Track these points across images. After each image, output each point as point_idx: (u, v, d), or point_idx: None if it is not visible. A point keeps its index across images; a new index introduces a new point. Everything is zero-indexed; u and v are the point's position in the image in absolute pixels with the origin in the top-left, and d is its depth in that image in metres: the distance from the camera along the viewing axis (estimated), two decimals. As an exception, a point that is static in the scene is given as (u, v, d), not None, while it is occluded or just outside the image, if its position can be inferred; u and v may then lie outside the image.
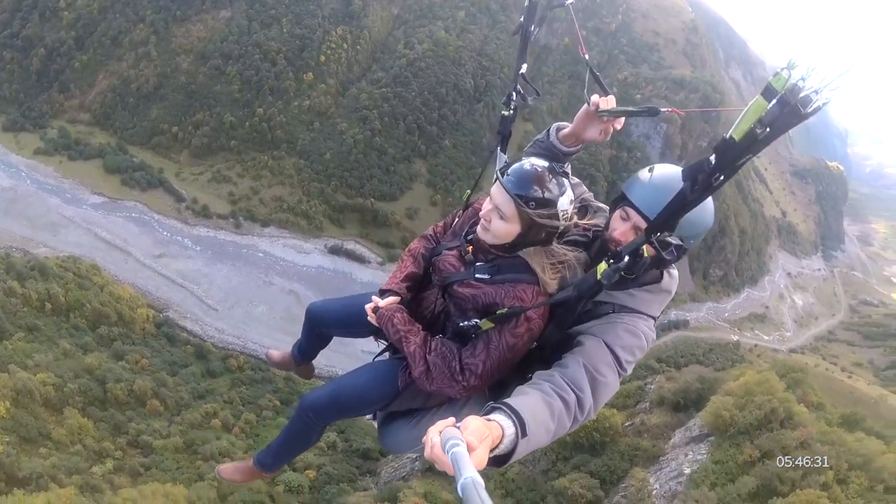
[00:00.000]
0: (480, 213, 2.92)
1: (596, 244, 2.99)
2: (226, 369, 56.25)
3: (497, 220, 2.79)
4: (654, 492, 29.01)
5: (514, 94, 3.42)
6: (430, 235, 3.58)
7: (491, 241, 2.90)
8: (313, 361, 4.60)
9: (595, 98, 2.86)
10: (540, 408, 2.27)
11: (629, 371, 2.78)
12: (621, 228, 2.78)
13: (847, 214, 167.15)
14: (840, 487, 25.33)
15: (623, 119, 2.90)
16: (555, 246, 2.89)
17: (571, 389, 2.46)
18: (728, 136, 1.87)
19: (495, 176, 2.81)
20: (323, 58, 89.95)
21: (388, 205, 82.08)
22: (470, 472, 1.44)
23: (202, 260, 70.17)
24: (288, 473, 37.25)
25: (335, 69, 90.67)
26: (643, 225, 2.67)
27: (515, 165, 2.78)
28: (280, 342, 61.67)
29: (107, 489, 31.24)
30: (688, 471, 28.81)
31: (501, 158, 3.49)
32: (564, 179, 2.78)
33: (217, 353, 57.72)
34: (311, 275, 73.29)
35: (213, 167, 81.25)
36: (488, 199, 2.84)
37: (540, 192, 2.67)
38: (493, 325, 2.85)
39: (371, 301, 3.33)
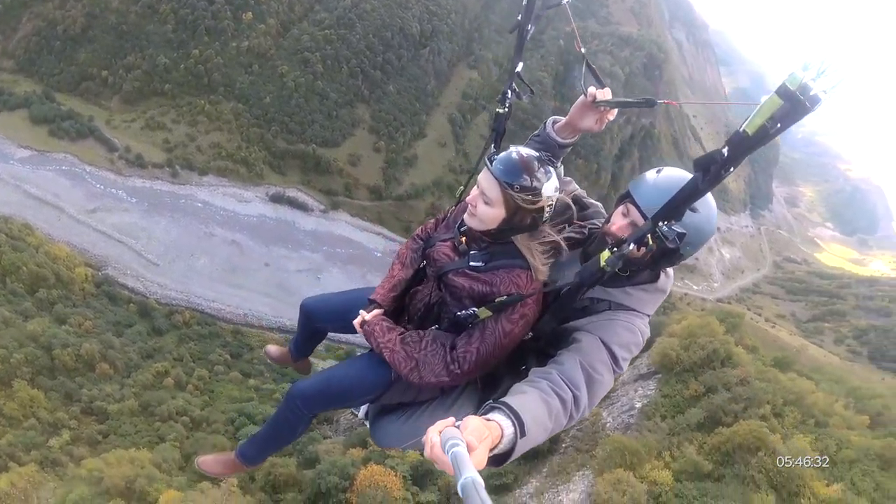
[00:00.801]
0: (467, 199, 2.99)
1: (593, 241, 3.03)
2: (172, 326, 55.55)
3: (482, 204, 2.86)
4: (607, 425, 30.67)
5: (509, 91, 3.45)
6: (419, 235, 3.62)
7: (477, 227, 2.97)
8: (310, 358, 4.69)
9: (592, 90, 2.94)
10: (538, 407, 2.28)
11: (625, 368, 2.83)
12: (620, 223, 2.83)
13: (777, 177, 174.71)
14: (776, 420, 28.40)
15: (616, 109, 3.02)
16: (543, 229, 2.96)
17: (569, 388, 2.47)
18: (742, 129, 1.95)
19: (484, 164, 2.88)
20: None
21: (331, 151, 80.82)
22: (470, 472, 1.43)
23: (139, 213, 67.57)
24: (248, 427, 37.43)
25: (276, 8, 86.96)
26: (641, 222, 2.72)
27: (504, 153, 2.85)
28: (223, 294, 62.68)
29: (68, 462, 30.93)
30: (639, 405, 30.72)
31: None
32: (550, 167, 2.85)
33: (161, 310, 56.71)
34: (252, 224, 72.12)
35: (146, 113, 77.56)
36: (475, 186, 2.93)
37: (525, 177, 2.75)
38: (490, 313, 2.89)
39: (365, 301, 3.49)
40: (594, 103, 2.95)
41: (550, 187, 2.81)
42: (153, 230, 66.65)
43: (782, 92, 1.81)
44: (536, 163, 2.80)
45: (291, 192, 77.36)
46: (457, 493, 1.82)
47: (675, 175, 2.76)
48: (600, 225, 3.05)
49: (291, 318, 51.83)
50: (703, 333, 33.54)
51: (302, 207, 76.97)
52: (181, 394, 44.18)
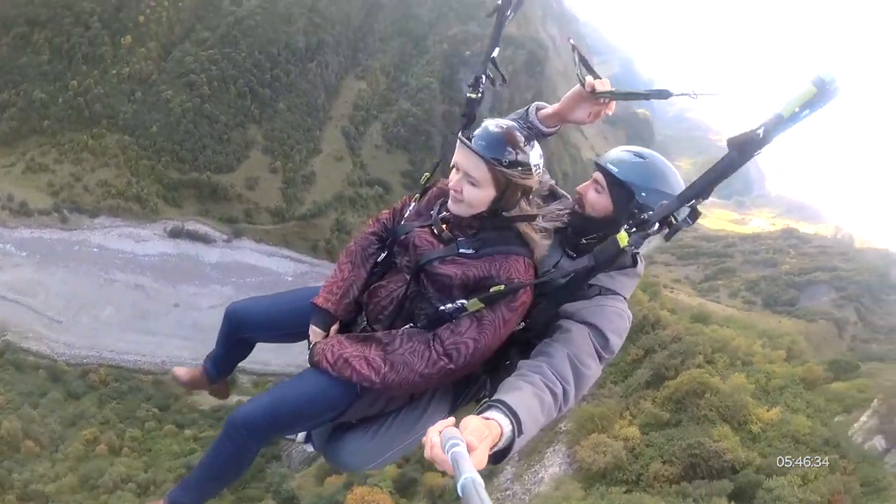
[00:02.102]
0: (450, 185, 2.73)
1: (574, 227, 2.95)
2: (88, 387, 53.46)
3: (469, 187, 2.65)
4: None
5: (483, 77, 3.17)
6: (372, 232, 3.23)
7: (466, 213, 2.75)
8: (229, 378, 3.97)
9: (590, 80, 2.76)
10: (533, 403, 2.22)
11: (616, 353, 2.77)
12: (600, 200, 2.88)
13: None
14: (711, 366, 33.68)
15: (614, 103, 2.84)
16: (537, 215, 2.82)
17: (560, 382, 2.41)
18: (780, 113, 2.03)
19: (459, 142, 2.67)
20: (142, 17, 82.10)
21: (226, 177, 79.10)
22: (470, 472, 1.40)
23: (31, 266, 63.42)
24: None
25: (155, 30, 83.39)
26: (610, 204, 2.82)
27: (480, 129, 2.65)
28: (136, 344, 60.36)
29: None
30: (589, 377, 36.94)
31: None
32: (531, 134, 2.73)
33: (73, 372, 54.42)
34: (154, 264, 70.00)
35: (25, 155, 72.68)
36: (454, 170, 2.71)
37: (510, 149, 2.59)
38: (482, 305, 2.62)
39: (308, 304, 3.12)
40: (595, 94, 2.78)
41: (536, 156, 2.67)
42: (49, 284, 63.16)
43: (817, 82, 1.94)
44: (517, 132, 2.64)
45: (190, 225, 75.38)
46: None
47: (659, 158, 2.89)
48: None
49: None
50: (632, 303, 38.60)
51: (204, 239, 75.26)
52: (119, 459, 43.07)
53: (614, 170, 2.82)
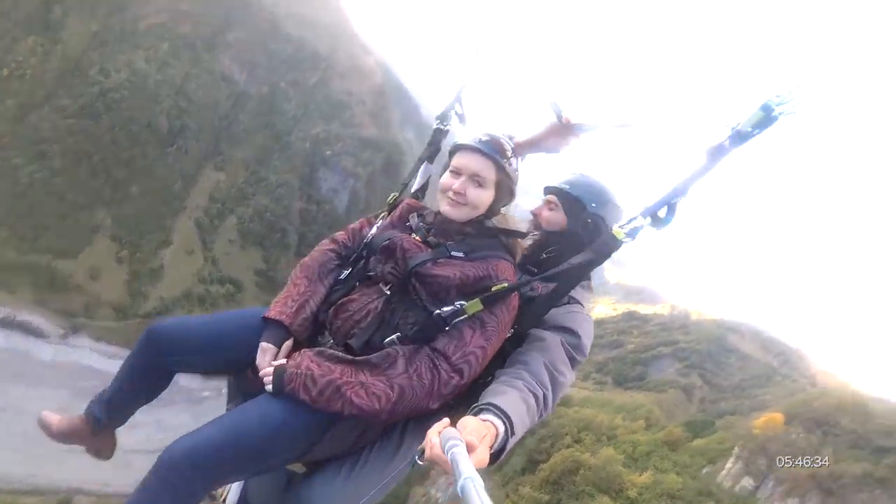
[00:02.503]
0: (454, 188, 2.70)
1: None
2: None
3: (474, 188, 2.70)
4: (439, 500, 34.88)
5: (453, 112, 3.37)
6: (329, 248, 3.01)
7: (466, 217, 2.75)
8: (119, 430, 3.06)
9: (566, 114, 3.08)
10: (520, 406, 2.24)
11: (587, 354, 2.82)
12: (555, 216, 3.14)
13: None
14: (579, 445, 36.31)
15: (581, 135, 3.12)
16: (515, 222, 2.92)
17: (540, 387, 2.42)
18: (738, 129, 2.32)
19: (459, 148, 2.77)
20: (6, 71, 75.97)
21: (68, 263, 74.16)
22: (470, 472, 1.40)
23: None
24: None
25: (17, 88, 77.11)
26: (563, 216, 3.09)
27: (481, 135, 2.76)
28: None
29: None
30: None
31: (428, 170, 3.39)
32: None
33: None
34: (-25, 362, 61.09)
35: None
36: (449, 175, 2.76)
37: (508, 151, 2.75)
38: (482, 306, 2.49)
39: (254, 326, 2.72)
40: (572, 125, 3.10)
41: (516, 159, 2.84)
42: None
43: (764, 107, 2.27)
44: (505, 137, 2.84)
45: (23, 315, 68.74)
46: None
47: (597, 176, 3.22)
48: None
49: (48, 475, 44.89)
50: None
51: (37, 333, 68.96)
52: None
53: (566, 187, 3.10)
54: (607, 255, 2.57)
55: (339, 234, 3.08)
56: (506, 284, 2.59)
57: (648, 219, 2.55)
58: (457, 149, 2.81)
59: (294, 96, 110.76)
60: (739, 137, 2.36)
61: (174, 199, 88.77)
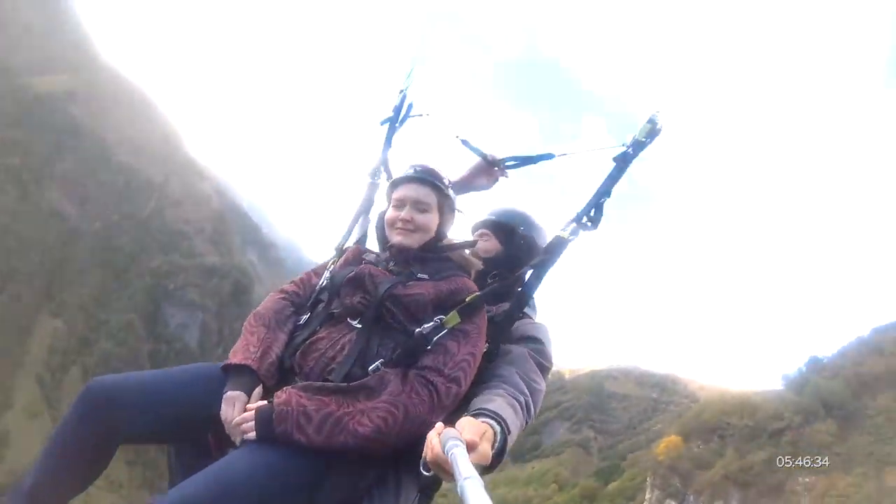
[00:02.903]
0: (400, 217, 2.76)
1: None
2: None
3: (420, 214, 2.77)
4: None
5: (381, 169, 3.45)
6: (282, 297, 2.89)
7: (417, 242, 2.79)
8: None
9: (490, 153, 3.30)
10: (509, 409, 2.23)
11: (553, 362, 2.91)
12: (490, 245, 3.26)
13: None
14: None
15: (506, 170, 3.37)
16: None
17: (521, 394, 2.45)
18: (637, 137, 2.74)
19: (397, 182, 2.87)
20: None
21: None
22: (470, 472, 1.35)
23: None
24: None
25: None
26: (499, 244, 3.26)
27: (415, 165, 2.88)
28: None
29: None
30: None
31: (365, 223, 3.41)
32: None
33: None
34: None
35: None
36: (393, 209, 2.83)
37: (444, 179, 2.87)
38: (459, 319, 2.53)
39: (207, 379, 2.47)
40: (496, 162, 3.29)
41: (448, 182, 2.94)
42: None
43: (651, 120, 2.74)
44: (435, 164, 2.94)
45: None
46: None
47: (507, 204, 3.50)
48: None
49: None
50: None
51: None
52: None
53: (494, 217, 3.35)
54: (559, 254, 2.74)
55: (288, 286, 2.99)
56: (477, 294, 2.63)
57: (585, 219, 2.76)
58: (395, 184, 2.90)
59: (129, 229, 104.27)
60: (638, 146, 2.79)
61: (8, 354, 78.30)
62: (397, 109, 3.58)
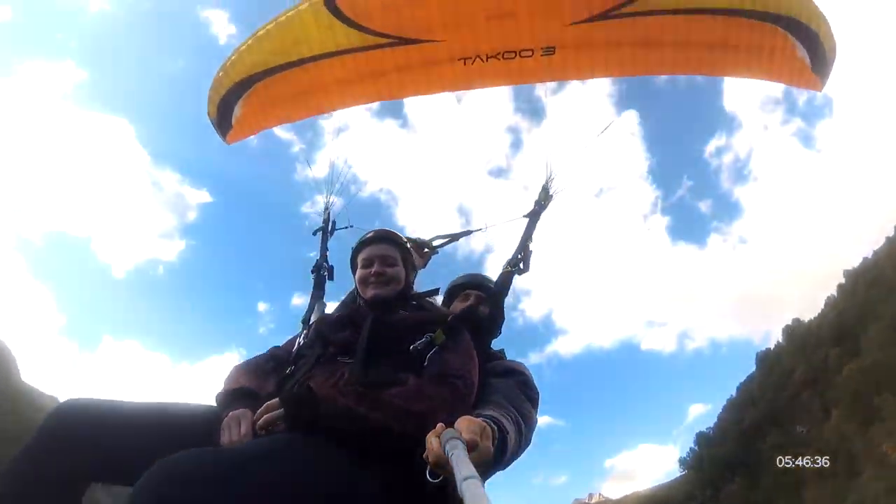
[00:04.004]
0: (372, 272, 3.02)
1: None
2: None
3: (389, 268, 3.05)
4: None
5: (324, 264, 4.09)
6: (260, 357, 2.96)
7: (393, 292, 3.03)
8: None
9: (417, 236, 3.84)
10: (504, 420, 2.26)
11: (537, 391, 3.02)
12: (461, 305, 3.66)
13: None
14: None
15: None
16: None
17: (513, 413, 2.49)
18: (538, 200, 3.89)
19: (361, 246, 3.19)
20: None
21: None
22: (470, 472, 1.33)
23: None
24: None
25: None
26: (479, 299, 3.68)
27: (375, 231, 3.27)
28: None
29: None
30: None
31: (322, 306, 3.72)
32: None
33: None
34: None
35: None
36: (362, 269, 3.10)
37: (399, 237, 3.29)
38: (444, 337, 2.71)
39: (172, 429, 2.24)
40: (426, 244, 3.96)
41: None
42: None
43: (544, 188, 3.90)
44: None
45: None
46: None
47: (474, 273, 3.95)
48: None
49: None
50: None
51: None
52: None
53: (478, 281, 3.83)
54: (509, 283, 3.66)
55: (287, 343, 3.07)
56: (457, 315, 3.02)
57: (520, 265, 3.69)
58: (359, 248, 3.18)
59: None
60: (540, 207, 3.89)
61: None
62: (326, 222, 4.37)
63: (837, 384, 61.18)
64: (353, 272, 3.24)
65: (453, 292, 3.76)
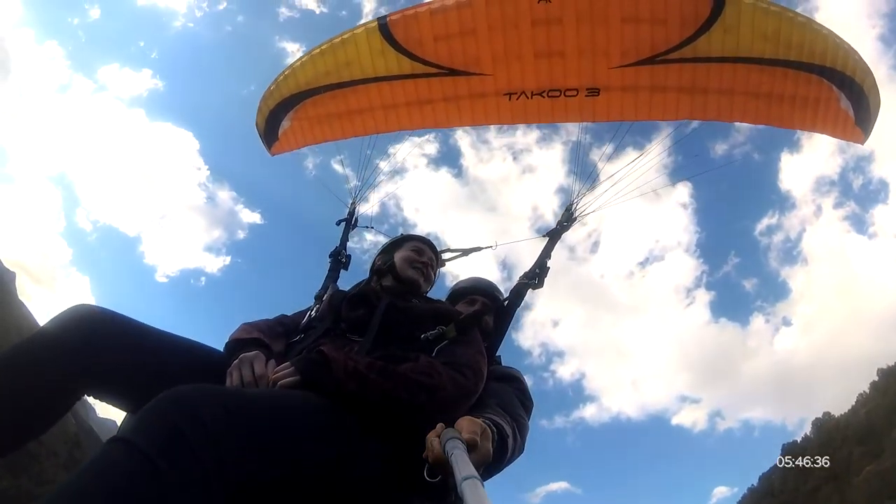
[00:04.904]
0: (421, 260, 3.24)
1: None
2: None
3: (432, 270, 3.30)
4: None
5: (343, 251, 4.18)
6: (268, 319, 2.91)
7: (425, 288, 3.25)
8: None
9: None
10: (501, 421, 2.25)
11: (531, 398, 3.07)
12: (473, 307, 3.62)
13: None
14: None
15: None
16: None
17: (510, 417, 2.48)
18: (561, 220, 4.01)
19: (415, 237, 3.45)
20: None
21: None
22: (469, 472, 1.31)
23: None
24: None
25: None
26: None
27: (427, 238, 3.46)
28: None
29: None
30: None
31: (334, 288, 3.60)
32: None
33: None
34: None
35: None
36: (410, 251, 3.27)
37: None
38: (455, 333, 2.64)
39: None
40: (443, 253, 3.83)
41: None
42: None
43: (568, 208, 4.00)
44: None
45: None
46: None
47: (477, 276, 4.05)
48: None
49: None
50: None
51: None
52: None
53: (482, 286, 3.89)
54: (524, 295, 3.78)
55: (261, 327, 2.75)
56: (468, 314, 2.84)
57: (535, 279, 3.72)
58: (414, 237, 3.44)
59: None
60: (562, 227, 3.98)
61: None
62: (350, 214, 4.47)
63: (855, 484, 59.69)
64: (391, 253, 3.32)
65: (459, 294, 3.81)
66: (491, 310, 3.64)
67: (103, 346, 2.01)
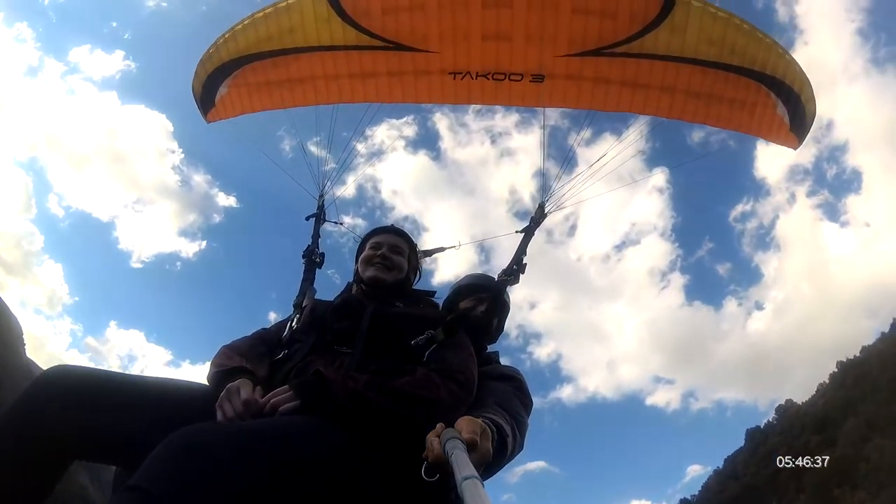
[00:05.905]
0: (380, 253, 3.13)
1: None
2: None
3: (396, 255, 3.15)
4: None
5: (316, 250, 3.90)
6: (249, 337, 2.83)
7: (394, 279, 3.12)
8: None
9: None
10: (501, 421, 2.27)
11: (530, 396, 3.04)
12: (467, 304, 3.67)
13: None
14: None
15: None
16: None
17: (509, 416, 2.48)
18: (533, 216, 3.90)
19: (376, 231, 3.38)
20: None
21: None
22: (469, 472, 1.31)
23: None
24: None
25: None
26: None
27: (390, 225, 3.43)
28: None
29: None
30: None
31: (312, 291, 3.43)
32: None
33: None
34: None
35: None
36: (370, 250, 3.20)
37: (410, 237, 3.40)
38: (444, 336, 2.65)
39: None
40: (421, 251, 3.74)
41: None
42: None
43: (540, 206, 3.80)
44: None
45: None
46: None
47: (476, 273, 4.04)
48: None
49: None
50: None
51: None
52: None
53: (483, 283, 3.88)
54: (506, 285, 3.64)
55: (249, 336, 2.80)
56: (456, 315, 2.89)
57: (512, 275, 3.61)
58: (374, 232, 3.36)
59: None
60: (535, 222, 3.90)
61: None
62: (320, 209, 4.22)
63: (810, 471, 62.53)
64: (357, 257, 3.31)
65: (462, 292, 3.79)
66: (497, 309, 3.61)
67: (84, 409, 1.95)
